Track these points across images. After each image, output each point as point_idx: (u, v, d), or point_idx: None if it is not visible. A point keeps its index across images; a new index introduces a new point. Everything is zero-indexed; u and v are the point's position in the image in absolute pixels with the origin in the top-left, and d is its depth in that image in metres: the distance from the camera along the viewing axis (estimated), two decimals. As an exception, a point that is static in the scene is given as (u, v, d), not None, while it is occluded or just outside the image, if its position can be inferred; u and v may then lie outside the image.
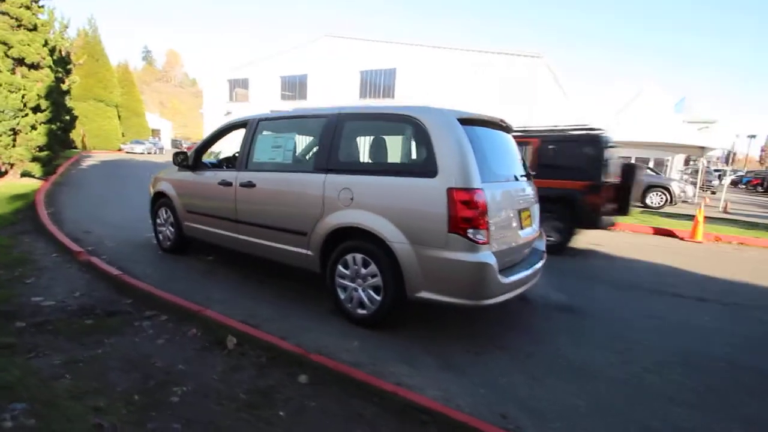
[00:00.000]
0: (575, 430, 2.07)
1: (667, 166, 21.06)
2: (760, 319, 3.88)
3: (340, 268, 3.18)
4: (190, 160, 4.43)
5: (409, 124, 3.01)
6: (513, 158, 3.53)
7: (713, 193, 23.53)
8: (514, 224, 3.10)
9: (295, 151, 3.78)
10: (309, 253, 3.37)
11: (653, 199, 13.62)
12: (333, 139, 3.30)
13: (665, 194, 13.48)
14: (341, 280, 3.20)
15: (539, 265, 3.37)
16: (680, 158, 22.72)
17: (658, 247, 7.16)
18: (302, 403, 2.15)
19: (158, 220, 4.96)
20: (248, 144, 3.92)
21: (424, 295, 2.82)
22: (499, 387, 2.43)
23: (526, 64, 17.91)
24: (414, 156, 3.05)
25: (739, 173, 38.31)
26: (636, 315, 3.80)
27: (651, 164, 18.93)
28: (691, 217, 9.71)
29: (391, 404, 2.13)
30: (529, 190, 3.49)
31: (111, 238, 5.33)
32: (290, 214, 3.46)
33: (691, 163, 25.55)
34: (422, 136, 2.91)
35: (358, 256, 3.06)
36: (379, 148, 3.27)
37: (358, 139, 3.41)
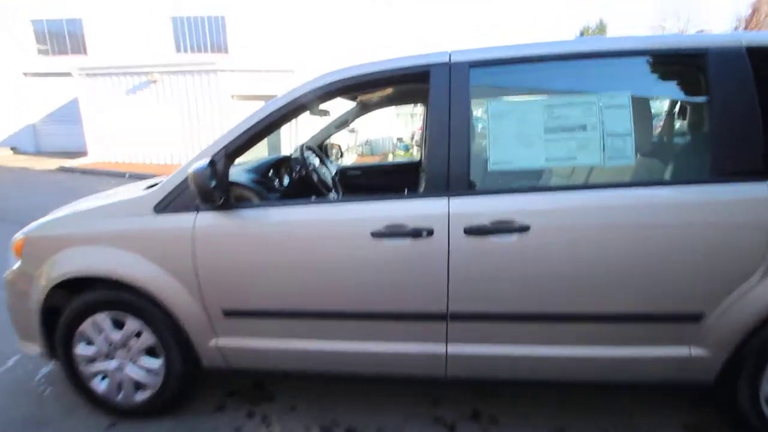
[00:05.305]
0: None
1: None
2: None
3: None
4: (217, 189, 1.68)
5: None
6: None
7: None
8: None
9: (629, 136, 1.64)
10: (699, 353, 1.61)
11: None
12: (746, 104, 1.53)
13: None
14: None
15: None
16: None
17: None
18: None
19: (82, 351, 1.98)
20: (463, 126, 1.64)
21: None
22: None
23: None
24: None
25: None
26: None
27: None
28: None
29: None
30: None
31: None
32: (647, 282, 1.56)
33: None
34: None
35: None
36: None
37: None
